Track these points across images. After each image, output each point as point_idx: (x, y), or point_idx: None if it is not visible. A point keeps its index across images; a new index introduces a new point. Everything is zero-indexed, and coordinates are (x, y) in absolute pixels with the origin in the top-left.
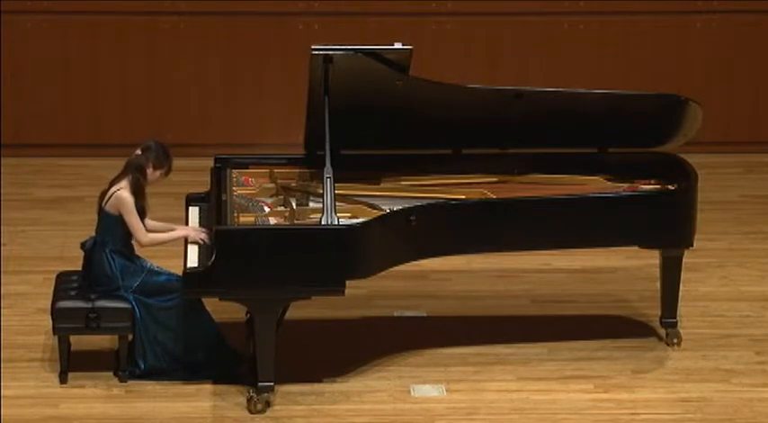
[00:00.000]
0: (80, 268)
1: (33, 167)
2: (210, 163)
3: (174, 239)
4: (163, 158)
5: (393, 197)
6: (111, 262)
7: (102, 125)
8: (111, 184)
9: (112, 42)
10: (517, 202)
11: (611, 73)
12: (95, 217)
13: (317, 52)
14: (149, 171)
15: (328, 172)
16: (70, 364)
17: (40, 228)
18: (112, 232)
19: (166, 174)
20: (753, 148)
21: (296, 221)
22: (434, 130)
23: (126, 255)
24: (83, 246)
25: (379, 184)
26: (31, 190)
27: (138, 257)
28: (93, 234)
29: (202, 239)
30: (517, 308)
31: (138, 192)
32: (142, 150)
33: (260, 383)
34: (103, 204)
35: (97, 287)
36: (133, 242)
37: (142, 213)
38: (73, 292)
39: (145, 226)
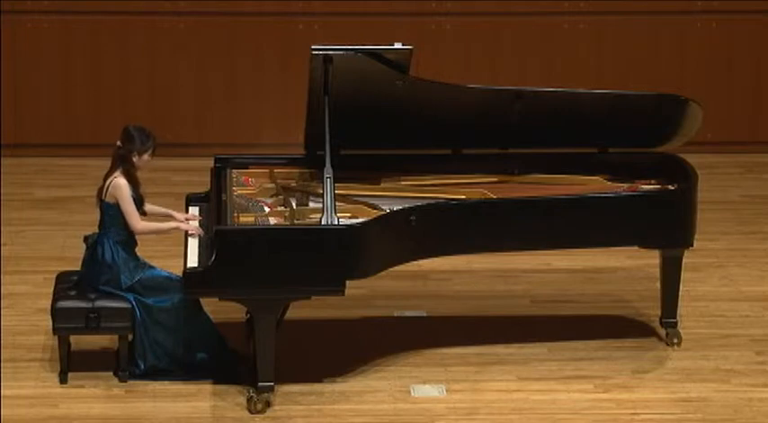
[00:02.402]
0: (80, 268)
1: (33, 167)
2: (210, 163)
3: (168, 230)
4: (145, 142)
5: (393, 197)
6: (115, 252)
7: (103, 125)
8: (105, 178)
9: (113, 42)
10: (517, 202)
11: (610, 73)
12: (96, 217)
13: (317, 52)
14: (135, 159)
15: (328, 172)
16: (70, 364)
17: (40, 228)
18: (115, 223)
19: (153, 153)
20: (753, 148)
21: (296, 221)
22: (434, 130)
23: (129, 247)
24: (86, 239)
25: (379, 184)
26: (31, 190)
27: (140, 256)
28: (97, 230)
29: (198, 229)
30: (517, 308)
31: (131, 181)
32: (122, 141)
33: (260, 383)
34: (103, 196)
35: (98, 277)
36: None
37: (140, 202)
38: (73, 292)
39: (144, 210)
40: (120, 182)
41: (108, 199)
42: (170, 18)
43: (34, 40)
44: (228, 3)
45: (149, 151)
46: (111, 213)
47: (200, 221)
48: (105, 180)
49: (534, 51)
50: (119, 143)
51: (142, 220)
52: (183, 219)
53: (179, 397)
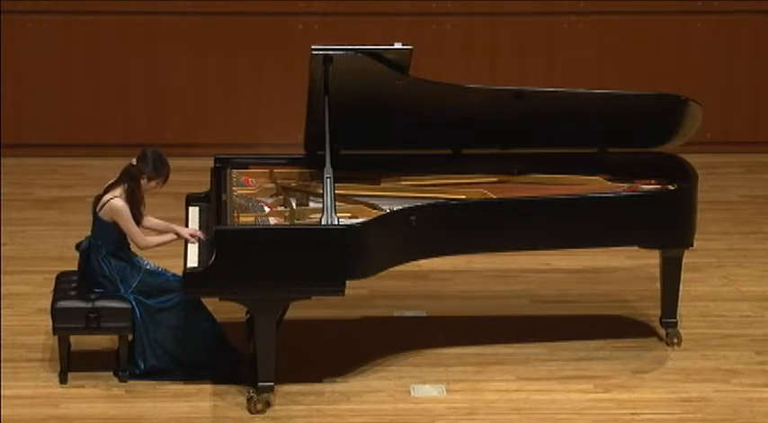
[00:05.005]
0: (78, 268)
1: (33, 167)
2: (210, 163)
3: (170, 241)
4: (159, 169)
5: (393, 197)
6: (108, 265)
7: (103, 125)
8: (106, 190)
9: (112, 42)
10: (517, 202)
11: (611, 73)
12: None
13: (317, 52)
14: (143, 182)
15: (328, 172)
16: (70, 364)
17: (40, 228)
18: (106, 236)
19: (163, 184)
20: (753, 148)
21: (296, 221)
22: (434, 130)
23: (121, 256)
24: (77, 247)
25: (379, 184)
26: (31, 190)
27: (135, 255)
28: (89, 234)
29: (198, 237)
30: (517, 308)
31: (133, 201)
32: (137, 160)
33: (260, 383)
34: (98, 210)
35: (96, 289)
36: (129, 242)
37: (137, 220)
38: (73, 292)
39: (143, 224)
40: (118, 205)
41: (102, 215)
42: (170, 18)
43: (34, 40)
44: (228, 3)
45: (159, 180)
46: (102, 228)
47: (200, 225)
48: (105, 192)
49: (534, 51)
50: (133, 161)
51: (144, 233)
52: (174, 228)
53: (179, 397)
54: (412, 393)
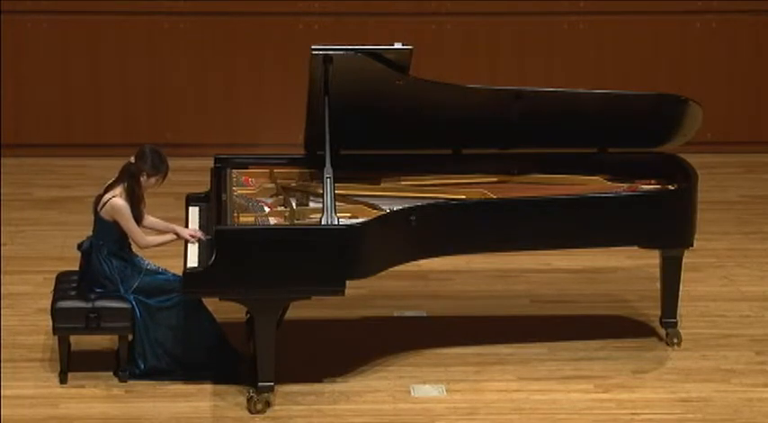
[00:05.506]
0: (79, 269)
1: (33, 167)
2: (210, 163)
3: (170, 241)
4: (158, 166)
5: (393, 197)
6: (109, 265)
7: (103, 125)
8: (107, 189)
9: (112, 42)
10: (517, 202)
11: (611, 73)
12: (93, 218)
13: (317, 52)
14: (143, 179)
15: (328, 172)
16: (70, 364)
17: (39, 228)
18: (107, 236)
19: (162, 180)
20: (753, 148)
21: (296, 221)
22: (434, 130)
23: (122, 256)
24: (79, 247)
25: (379, 184)
26: (30, 190)
27: (136, 256)
28: (90, 234)
29: (198, 238)
30: (517, 308)
31: (133, 199)
32: (136, 157)
33: (260, 383)
34: (98, 209)
35: (97, 289)
36: (130, 242)
37: (138, 219)
38: (73, 292)
39: (143, 223)
40: (118, 203)
41: (103, 214)
42: (170, 18)
43: (34, 40)
44: (228, 3)
45: (158, 176)
46: (103, 227)
47: (200, 225)
48: (106, 191)
49: (534, 51)
50: (131, 159)
51: (144, 233)
52: (174, 227)
53: (179, 397)
54: (412, 393)
